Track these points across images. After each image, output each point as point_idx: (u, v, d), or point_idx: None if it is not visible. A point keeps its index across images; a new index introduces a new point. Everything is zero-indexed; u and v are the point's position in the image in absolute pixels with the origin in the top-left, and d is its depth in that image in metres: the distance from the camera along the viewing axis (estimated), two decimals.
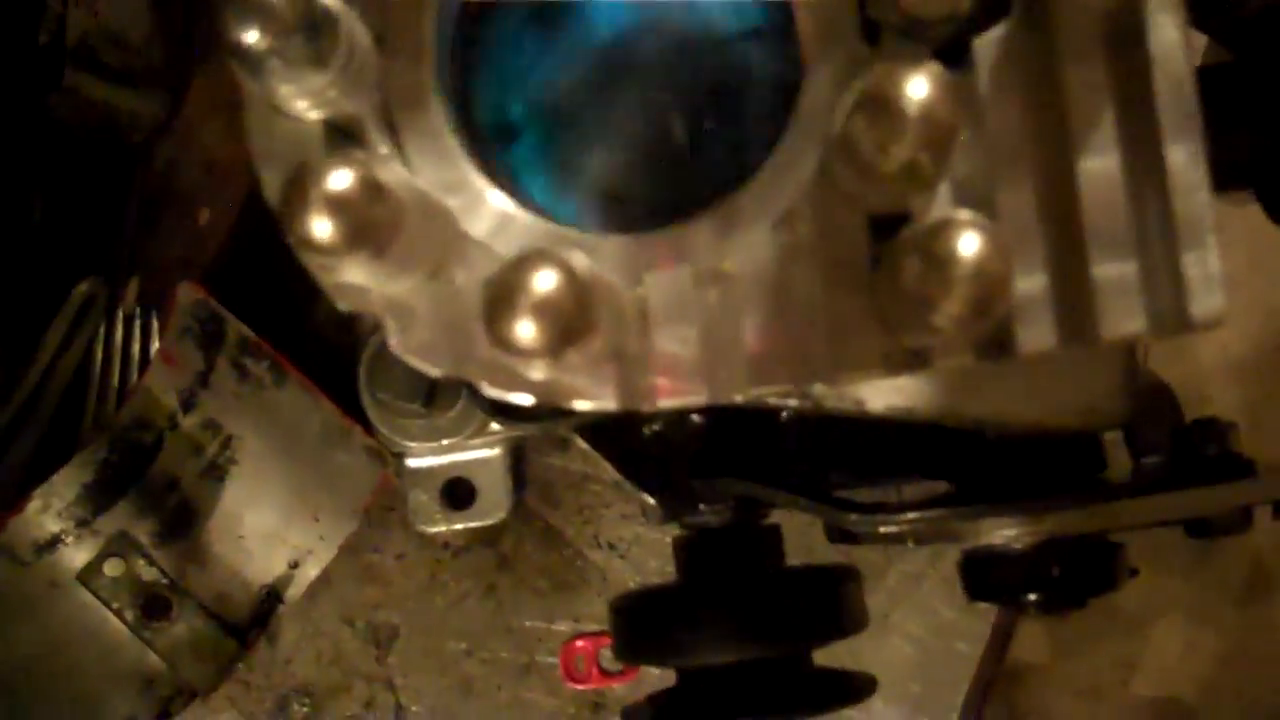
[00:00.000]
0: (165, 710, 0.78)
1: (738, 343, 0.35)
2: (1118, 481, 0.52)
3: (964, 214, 0.31)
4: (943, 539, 0.64)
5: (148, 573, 0.76)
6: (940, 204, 0.34)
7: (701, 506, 0.54)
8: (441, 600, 0.80)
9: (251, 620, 0.79)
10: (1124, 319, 0.34)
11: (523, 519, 0.80)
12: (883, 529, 0.51)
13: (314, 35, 0.32)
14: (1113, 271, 0.34)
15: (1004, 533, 0.56)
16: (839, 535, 0.63)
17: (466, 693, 0.79)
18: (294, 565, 0.79)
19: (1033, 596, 0.56)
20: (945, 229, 0.31)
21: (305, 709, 0.79)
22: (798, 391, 0.38)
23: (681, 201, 0.37)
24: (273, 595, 0.79)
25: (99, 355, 0.77)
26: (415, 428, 0.74)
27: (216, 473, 0.78)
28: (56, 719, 0.77)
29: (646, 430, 0.55)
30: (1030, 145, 0.34)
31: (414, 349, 0.36)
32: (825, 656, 0.54)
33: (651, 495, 0.56)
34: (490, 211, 0.37)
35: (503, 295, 0.31)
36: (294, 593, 0.79)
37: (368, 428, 0.74)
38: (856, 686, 0.53)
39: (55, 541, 0.75)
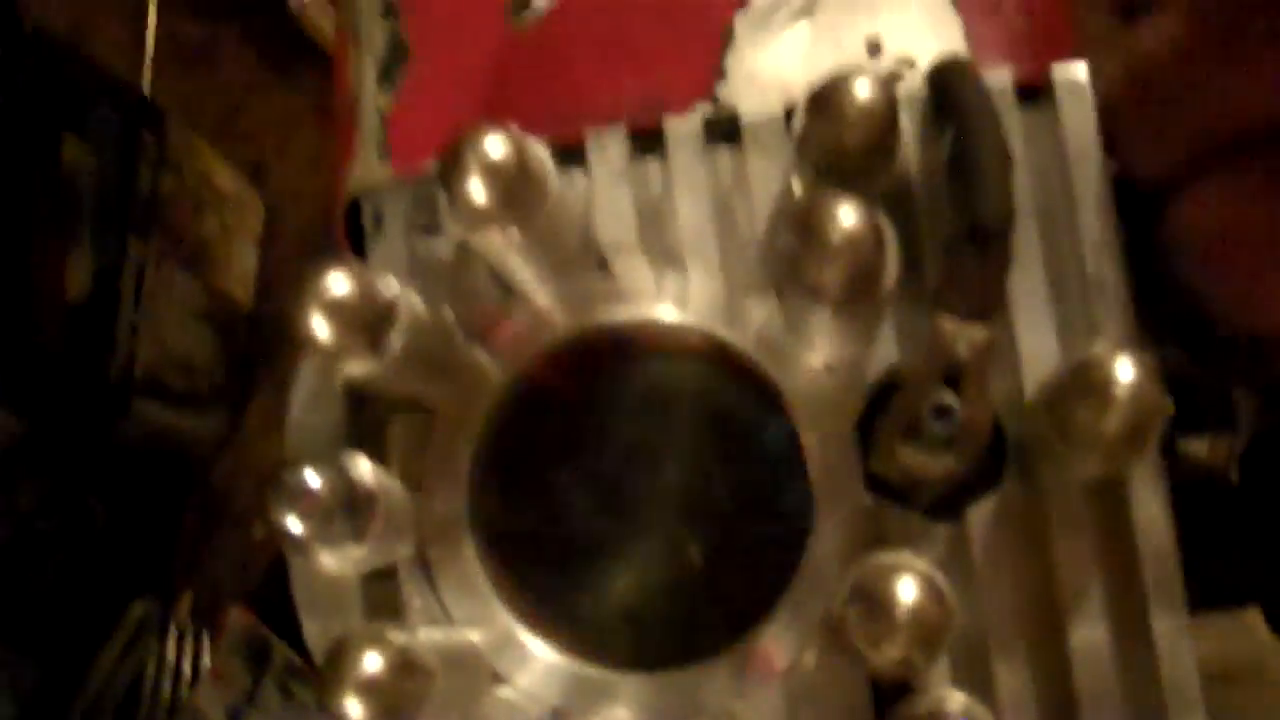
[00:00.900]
0: None
1: None
2: None
3: (957, 699, 0.33)
4: None
5: None
6: (938, 676, 0.36)
7: None
8: None
9: None
10: None
11: None
12: None
13: (353, 514, 0.35)
14: None
15: None
16: None
17: None
18: None
19: None
20: (937, 714, 0.32)
21: None
22: None
23: (696, 639, 0.39)
24: None
25: (151, 670, 0.79)
26: None
27: None
28: None
29: None
30: (1022, 613, 0.37)
31: None
32: None
33: None
34: (520, 651, 0.39)
35: None
36: None
37: None
38: None
39: None
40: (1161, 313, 0.39)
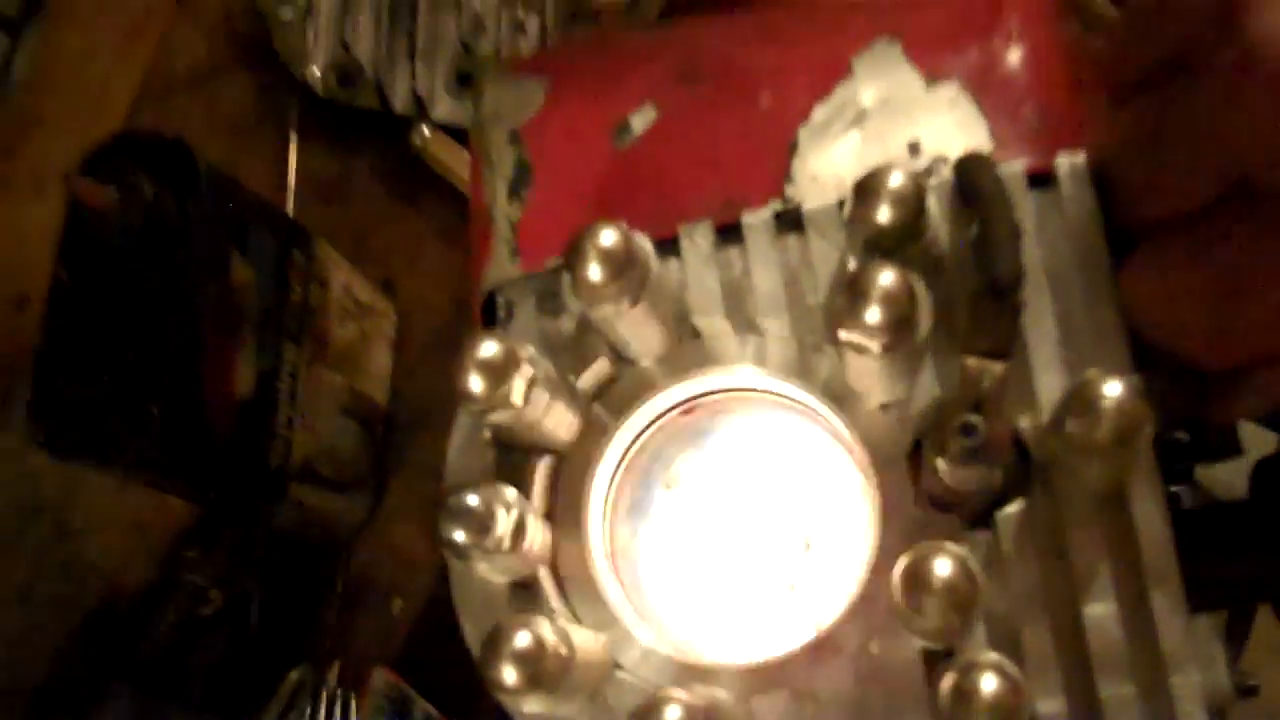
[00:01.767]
0: None
1: None
2: None
3: (989, 656, 0.41)
4: None
5: None
6: (977, 643, 0.44)
7: None
8: None
9: None
10: None
11: None
12: None
13: (504, 529, 0.44)
14: (1116, 693, 0.44)
15: None
16: None
17: None
18: None
19: None
20: (971, 669, 0.41)
21: None
22: None
23: (784, 632, 0.48)
24: None
25: None
26: None
27: None
28: None
29: None
30: (1045, 594, 0.45)
31: None
32: None
33: None
34: (635, 646, 0.48)
35: None
36: None
37: None
38: None
39: None
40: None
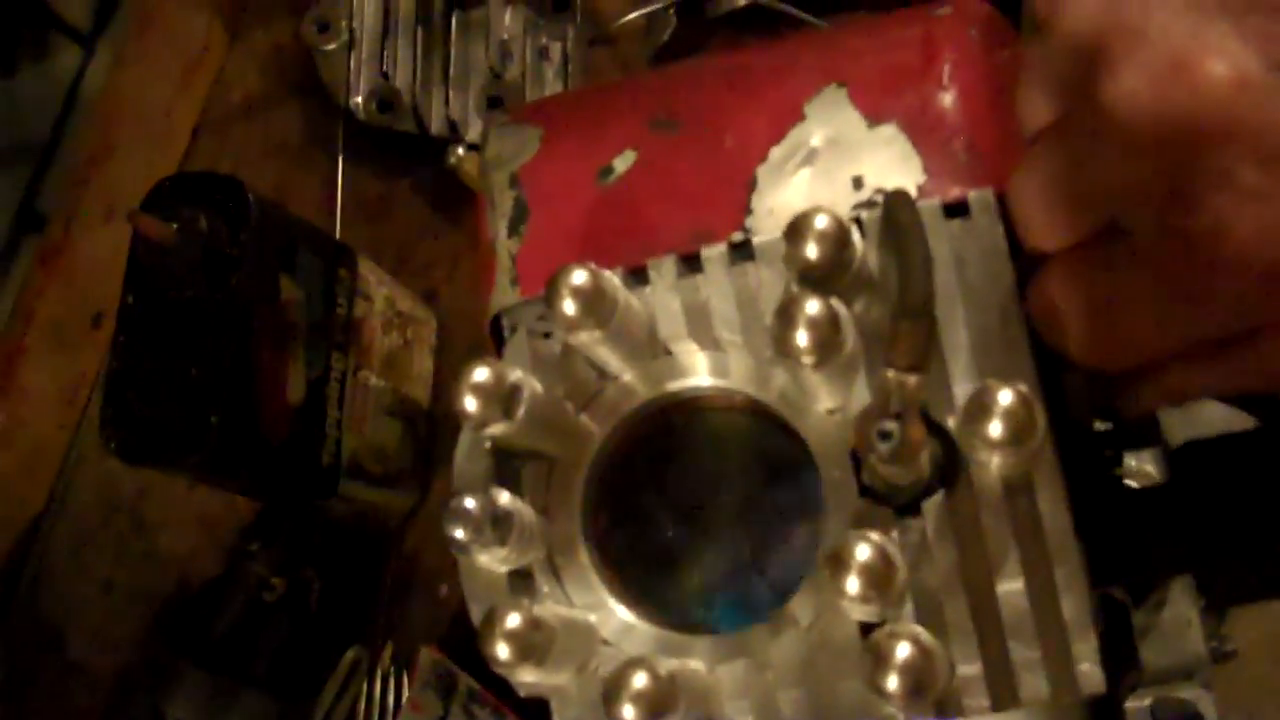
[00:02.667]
0: None
1: (780, 714, 0.53)
2: None
3: (907, 627, 0.48)
4: None
5: None
6: (905, 617, 0.52)
7: None
8: None
9: None
10: (1034, 689, 0.51)
11: None
12: None
13: (497, 526, 0.52)
14: (1024, 656, 0.51)
15: None
16: None
17: None
18: None
19: None
20: (889, 638, 0.48)
21: None
22: None
23: (747, 609, 0.56)
24: None
25: (362, 706, 0.98)
26: None
27: None
28: None
29: None
30: (964, 572, 0.52)
31: None
32: None
33: None
34: (619, 623, 0.56)
35: (612, 689, 0.49)
36: None
37: None
38: None
39: None
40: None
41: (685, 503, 0.58)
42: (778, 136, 0.59)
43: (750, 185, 0.59)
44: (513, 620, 0.50)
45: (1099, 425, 0.60)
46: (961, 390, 0.53)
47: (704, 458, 0.59)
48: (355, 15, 1.11)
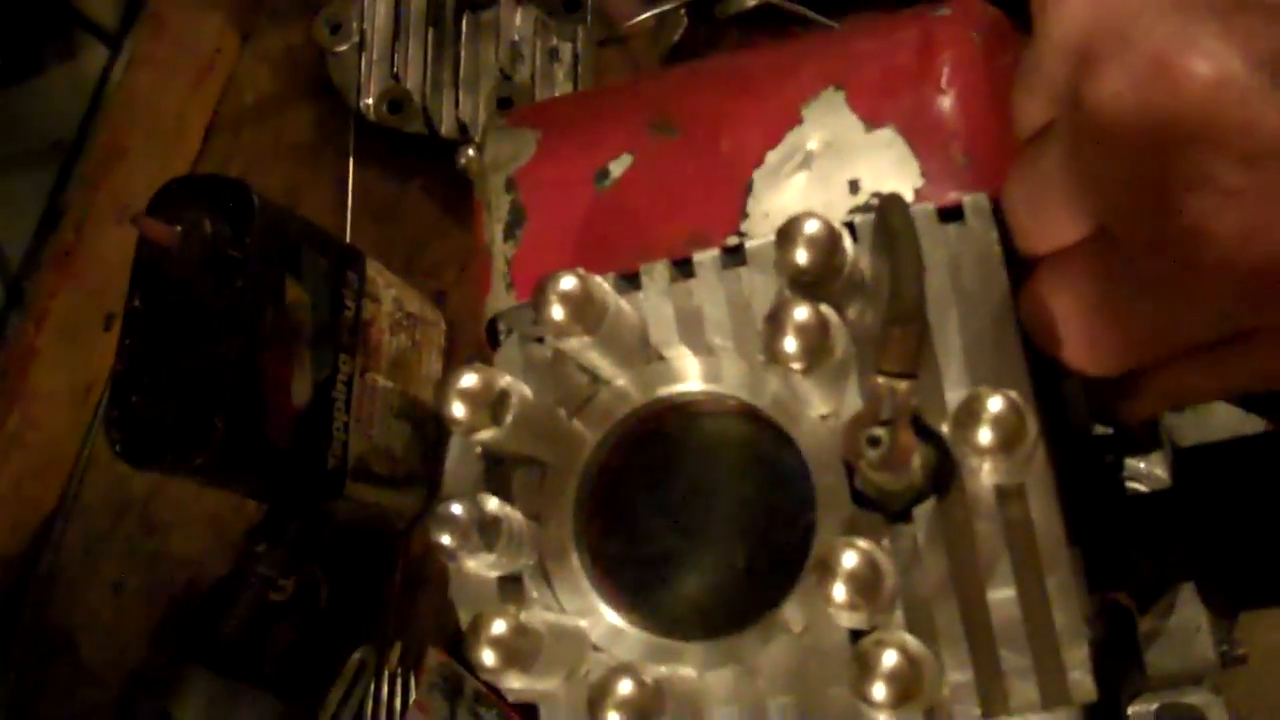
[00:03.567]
0: None
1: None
2: None
3: (894, 634, 0.48)
4: None
5: None
6: (895, 624, 0.51)
7: None
8: None
9: None
10: (1025, 696, 0.50)
11: None
12: None
13: (485, 533, 0.52)
14: (1015, 664, 0.50)
15: None
16: None
17: None
18: None
19: None
20: (875, 646, 0.48)
21: None
22: None
23: (738, 615, 0.55)
24: None
25: (369, 707, 0.98)
26: None
27: None
28: None
29: None
30: (955, 579, 0.51)
31: None
32: None
33: None
34: (610, 629, 0.55)
35: (597, 695, 0.49)
36: None
37: None
38: None
39: None
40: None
41: (677, 508, 0.58)
42: (774, 140, 0.59)
43: (747, 189, 0.59)
44: (498, 627, 0.50)
45: (1099, 430, 0.59)
46: (955, 396, 0.53)
47: (697, 463, 0.59)
48: (366, 17, 1.11)
